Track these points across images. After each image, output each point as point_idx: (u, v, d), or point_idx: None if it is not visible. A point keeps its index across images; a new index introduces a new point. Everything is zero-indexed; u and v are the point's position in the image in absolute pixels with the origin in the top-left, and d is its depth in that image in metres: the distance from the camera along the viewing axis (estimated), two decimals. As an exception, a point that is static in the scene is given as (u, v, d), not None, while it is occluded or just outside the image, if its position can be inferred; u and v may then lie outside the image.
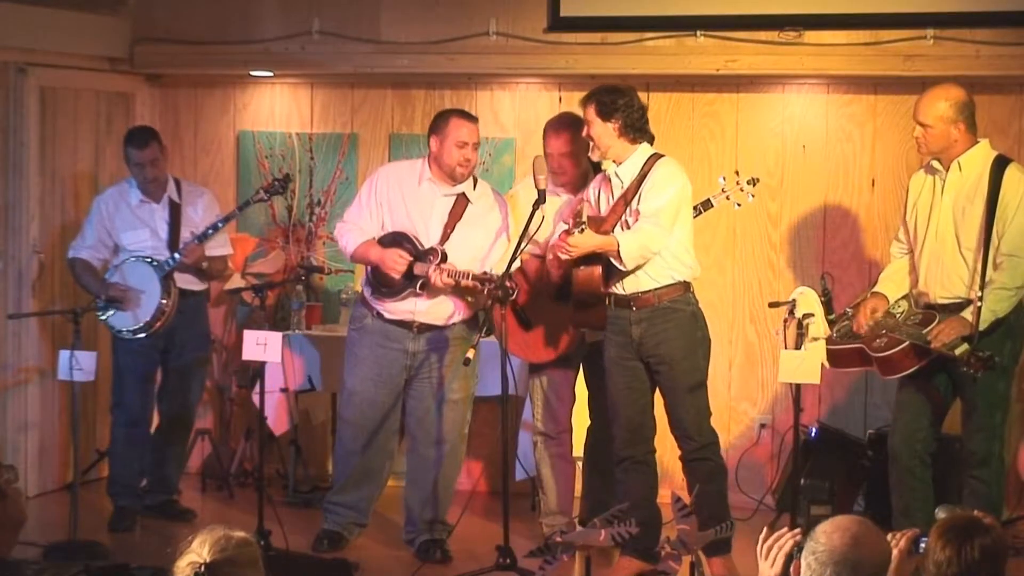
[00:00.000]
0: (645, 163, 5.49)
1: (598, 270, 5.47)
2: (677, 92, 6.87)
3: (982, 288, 5.27)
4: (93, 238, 6.44)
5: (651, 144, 5.56)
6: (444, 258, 5.74)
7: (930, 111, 5.37)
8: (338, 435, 6.16)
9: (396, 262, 5.76)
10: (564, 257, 5.43)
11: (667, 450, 6.88)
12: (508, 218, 5.94)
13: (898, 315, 5.52)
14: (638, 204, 5.42)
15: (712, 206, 5.96)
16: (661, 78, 6.74)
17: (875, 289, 5.59)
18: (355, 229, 5.92)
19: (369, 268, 5.93)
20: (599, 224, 5.47)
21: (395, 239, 5.85)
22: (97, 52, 7.12)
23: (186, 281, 6.41)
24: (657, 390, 5.61)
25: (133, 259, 6.33)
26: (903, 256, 5.65)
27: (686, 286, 5.51)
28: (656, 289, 5.45)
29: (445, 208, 5.87)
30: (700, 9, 6.53)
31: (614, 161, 5.53)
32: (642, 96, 6.76)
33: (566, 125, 5.90)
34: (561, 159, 5.89)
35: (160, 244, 6.39)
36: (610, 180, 5.54)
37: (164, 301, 6.30)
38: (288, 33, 7.00)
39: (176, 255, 6.31)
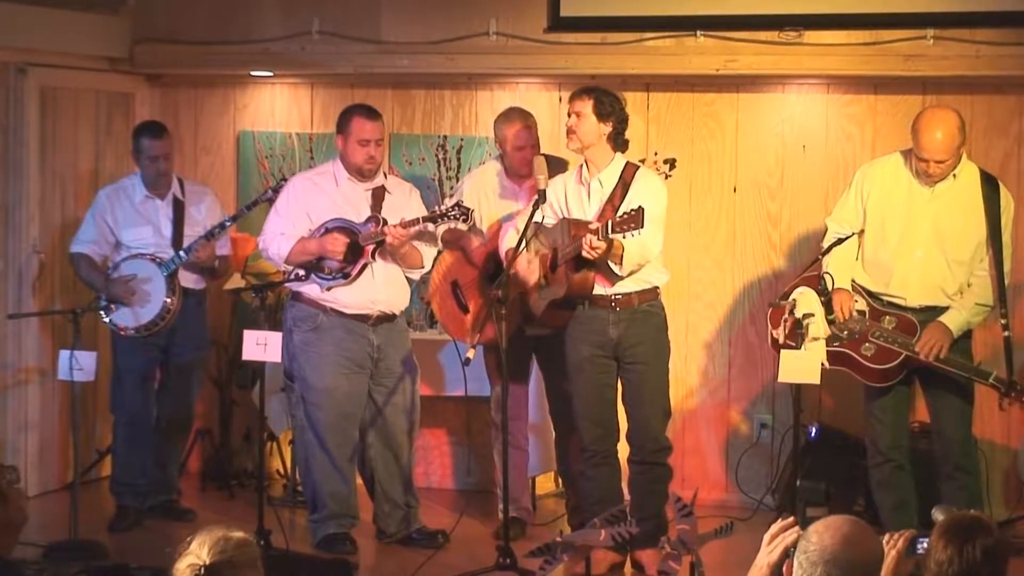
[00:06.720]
0: (624, 170, 5.59)
1: (593, 274, 5.54)
2: (677, 92, 6.87)
3: (1003, 299, 5.45)
4: (95, 233, 6.41)
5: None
6: (384, 222, 5.83)
7: (947, 147, 5.41)
8: (312, 446, 5.96)
9: (335, 243, 5.84)
10: (590, 258, 5.40)
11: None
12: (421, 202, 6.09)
13: (864, 316, 5.57)
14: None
15: None
16: (661, 78, 6.73)
17: (837, 285, 5.56)
18: (281, 236, 5.94)
19: (314, 264, 5.91)
20: (587, 228, 5.49)
21: (331, 227, 5.89)
22: (97, 52, 7.12)
23: (187, 280, 6.41)
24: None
25: (136, 257, 6.33)
26: (849, 240, 5.62)
27: (658, 291, 5.66)
28: (638, 292, 5.59)
29: (368, 201, 5.96)
30: (700, 9, 6.53)
31: (588, 163, 5.60)
32: (642, 96, 6.85)
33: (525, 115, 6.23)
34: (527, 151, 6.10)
35: (163, 242, 6.39)
36: (586, 184, 5.62)
37: (169, 300, 6.30)
38: (288, 33, 7.00)
39: (181, 253, 6.31)
